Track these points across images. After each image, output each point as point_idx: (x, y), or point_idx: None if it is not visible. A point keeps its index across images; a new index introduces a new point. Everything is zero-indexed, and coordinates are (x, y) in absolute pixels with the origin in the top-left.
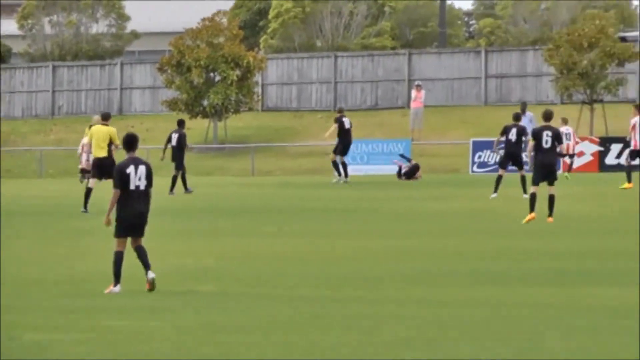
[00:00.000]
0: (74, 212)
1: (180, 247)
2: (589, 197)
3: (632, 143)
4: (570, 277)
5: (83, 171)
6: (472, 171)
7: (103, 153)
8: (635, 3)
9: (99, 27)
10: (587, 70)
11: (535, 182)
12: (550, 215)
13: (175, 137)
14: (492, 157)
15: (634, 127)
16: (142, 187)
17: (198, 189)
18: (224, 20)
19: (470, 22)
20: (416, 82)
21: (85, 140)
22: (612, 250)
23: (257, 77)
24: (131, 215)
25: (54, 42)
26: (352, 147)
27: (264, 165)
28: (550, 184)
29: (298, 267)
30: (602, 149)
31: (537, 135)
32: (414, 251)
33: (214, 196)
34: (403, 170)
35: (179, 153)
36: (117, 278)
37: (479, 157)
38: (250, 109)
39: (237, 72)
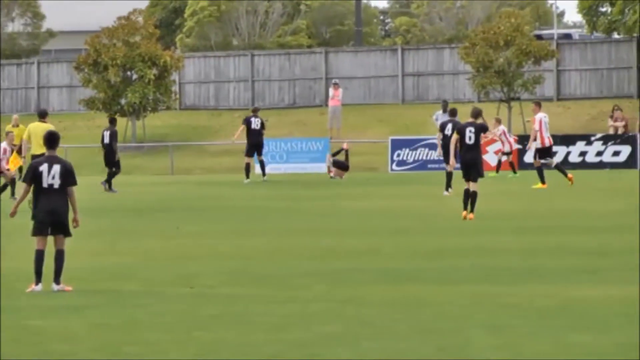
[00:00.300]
0: None
1: (102, 246)
2: (510, 195)
3: (540, 140)
4: (497, 275)
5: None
6: (392, 169)
7: (43, 150)
8: (551, 1)
9: (15, 25)
10: (503, 68)
11: (464, 178)
12: (471, 211)
13: (107, 134)
14: (411, 155)
15: (540, 123)
16: (55, 186)
17: (118, 187)
18: (140, 19)
19: (386, 21)
20: (333, 81)
21: (3, 145)
22: (538, 248)
23: (174, 76)
24: (44, 213)
25: None
26: (271, 145)
27: (183, 164)
28: (473, 180)
29: (219, 266)
30: (520, 147)
31: (460, 131)
32: (335, 250)
33: (134, 195)
34: (335, 158)
35: (111, 150)
36: (38, 276)
37: (398, 155)
38: (168, 108)
39: (154, 71)
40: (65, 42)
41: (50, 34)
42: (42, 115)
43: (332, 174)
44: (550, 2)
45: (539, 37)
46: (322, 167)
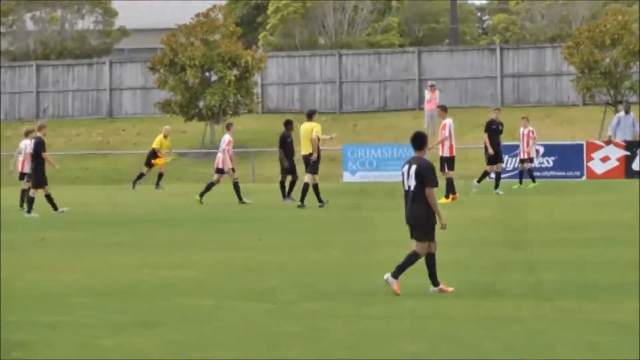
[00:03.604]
0: (61, 220)
1: (175, 259)
2: (613, 204)
3: (448, 149)
4: (586, 290)
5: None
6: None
7: (309, 150)
8: None
9: (85, 23)
10: (609, 69)
11: None
12: None
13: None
14: (511, 162)
15: (450, 129)
16: (412, 188)
17: (195, 196)
18: (220, 16)
19: (484, 18)
20: (430, 83)
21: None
22: (627, 262)
23: (256, 77)
24: (406, 217)
25: (36, 39)
26: (360, 152)
27: (265, 171)
28: None
29: (294, 280)
30: (628, 153)
31: None
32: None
33: (212, 205)
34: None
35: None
36: (395, 273)
37: None
38: (250, 111)
39: (235, 71)
40: (139, 40)
41: (123, 32)
42: (310, 115)
43: None
44: None
45: None
46: None
